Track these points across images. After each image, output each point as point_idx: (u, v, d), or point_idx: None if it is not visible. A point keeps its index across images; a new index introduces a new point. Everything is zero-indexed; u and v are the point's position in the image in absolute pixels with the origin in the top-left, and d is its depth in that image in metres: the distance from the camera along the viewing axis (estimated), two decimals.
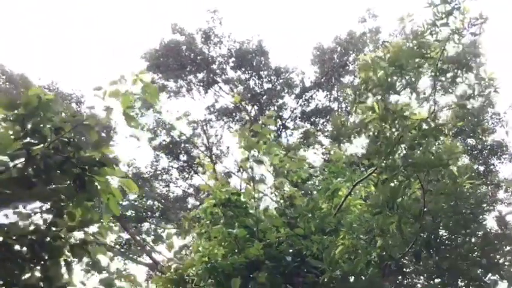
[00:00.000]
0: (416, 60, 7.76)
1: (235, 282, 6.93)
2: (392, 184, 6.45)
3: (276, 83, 27.47)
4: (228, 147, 28.59)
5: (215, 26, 24.64)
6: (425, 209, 6.50)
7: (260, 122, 9.28)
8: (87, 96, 24.62)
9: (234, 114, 28.28)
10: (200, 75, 27.03)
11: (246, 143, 8.75)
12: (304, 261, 8.31)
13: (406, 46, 7.32)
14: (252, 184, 8.97)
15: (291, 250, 8.52)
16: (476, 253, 6.69)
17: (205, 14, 24.74)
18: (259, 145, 8.96)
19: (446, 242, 6.67)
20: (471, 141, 25.98)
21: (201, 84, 27.20)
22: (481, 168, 25.51)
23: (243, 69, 26.09)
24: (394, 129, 6.70)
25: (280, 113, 28.82)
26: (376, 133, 6.82)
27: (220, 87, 27.26)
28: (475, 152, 25.91)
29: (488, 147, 25.30)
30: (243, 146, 8.75)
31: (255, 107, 28.31)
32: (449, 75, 7.99)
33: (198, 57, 25.21)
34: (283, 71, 27.05)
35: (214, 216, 9.38)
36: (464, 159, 25.76)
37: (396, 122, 6.58)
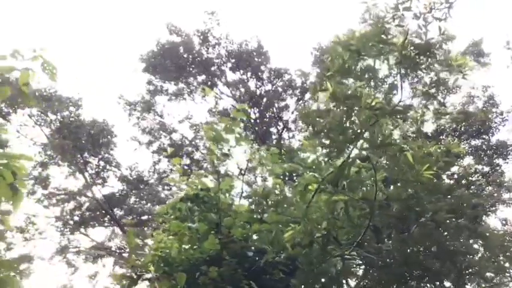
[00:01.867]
0: (377, 45, 7.47)
1: (181, 277, 6.69)
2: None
3: (277, 85, 27.27)
4: (229, 149, 28.39)
5: (213, 26, 24.57)
6: (380, 195, 6.17)
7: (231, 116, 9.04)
8: (85, 99, 24.67)
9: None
10: (200, 78, 26.95)
11: (213, 135, 8.51)
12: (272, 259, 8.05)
13: (365, 31, 7.04)
14: (218, 178, 8.72)
15: (258, 247, 8.24)
16: (429, 242, 6.34)
17: (203, 15, 24.72)
18: (227, 138, 8.71)
19: (402, 231, 6.30)
20: (475, 142, 25.47)
21: (201, 87, 27.13)
22: (486, 169, 24.94)
23: (242, 70, 25.93)
24: (345, 108, 6.41)
25: (281, 115, 28.61)
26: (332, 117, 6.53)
27: (220, 91, 27.14)
28: (480, 152, 25.34)
29: (494, 147, 24.68)
30: (209, 138, 8.51)
31: (256, 110, 28.14)
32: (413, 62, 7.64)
33: (196, 59, 25.14)
34: (283, 72, 26.84)
35: (182, 211, 9.16)
36: (468, 160, 25.34)
37: (348, 101, 6.29)
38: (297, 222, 7.34)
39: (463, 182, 24.87)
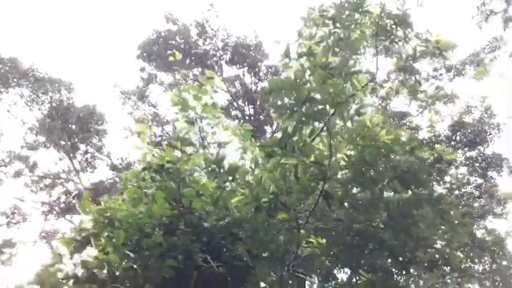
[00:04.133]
0: (353, 14, 7.14)
1: (118, 235, 6.33)
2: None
3: None
4: (222, 143, 28.07)
5: (211, 17, 24.33)
6: (333, 159, 5.79)
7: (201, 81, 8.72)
8: (81, 87, 24.46)
9: (229, 111, 27.82)
10: (195, 70, 26.67)
11: (180, 102, 8.18)
12: (231, 234, 7.70)
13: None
14: (181, 146, 8.36)
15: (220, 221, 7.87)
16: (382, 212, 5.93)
17: (201, 6, 24.52)
18: (194, 106, 8.39)
19: (358, 200, 5.88)
20: (470, 153, 25.10)
21: (196, 80, 26.85)
22: (480, 181, 24.52)
23: (239, 64, 25.65)
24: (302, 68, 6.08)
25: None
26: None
27: (216, 85, 26.78)
28: (475, 164, 24.95)
29: (488, 159, 24.26)
30: (175, 104, 8.18)
31: (251, 106, 27.84)
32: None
33: (193, 51, 24.89)
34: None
35: (146, 180, 8.83)
36: (462, 170, 24.93)
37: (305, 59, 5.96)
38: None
39: (456, 192, 24.51)
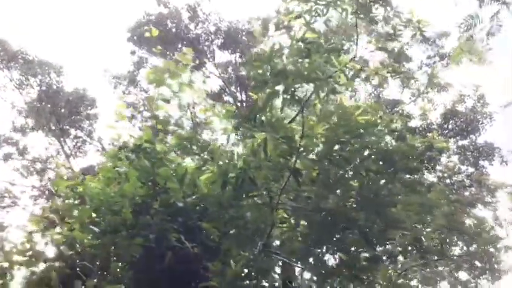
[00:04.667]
0: None
1: (83, 211, 6.20)
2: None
3: None
4: (214, 130, 27.89)
5: (202, 0, 23.98)
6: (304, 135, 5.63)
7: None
8: (69, 68, 24.19)
9: (222, 97, 27.58)
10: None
11: (156, 78, 8.01)
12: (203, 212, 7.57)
13: None
14: (156, 125, 8.22)
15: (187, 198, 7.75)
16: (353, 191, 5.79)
17: None
18: (170, 84, 8.22)
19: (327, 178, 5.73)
20: (462, 142, 25.01)
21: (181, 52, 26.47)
22: (471, 170, 24.44)
23: (231, 50, 25.34)
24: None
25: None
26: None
27: (206, 68, 26.56)
28: (467, 153, 24.86)
29: (480, 148, 24.16)
30: (149, 81, 8.01)
31: (243, 93, 27.58)
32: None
33: (184, 35, 24.57)
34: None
35: (122, 160, 8.70)
36: (453, 158, 24.86)
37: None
38: None
39: (447, 181, 24.47)
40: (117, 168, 7.49)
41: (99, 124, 27.20)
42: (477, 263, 17.40)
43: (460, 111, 24.63)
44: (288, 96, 5.78)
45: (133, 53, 24.52)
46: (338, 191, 5.69)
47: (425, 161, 21.00)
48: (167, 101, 8.28)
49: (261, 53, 5.95)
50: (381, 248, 7.37)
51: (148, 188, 7.76)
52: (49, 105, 23.61)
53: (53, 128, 24.73)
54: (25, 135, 25.61)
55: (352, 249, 6.01)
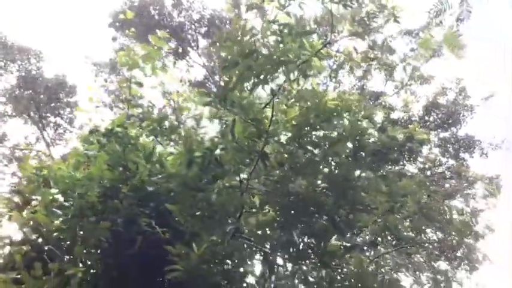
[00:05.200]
0: None
1: (44, 194, 6.07)
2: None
3: None
4: (199, 119, 27.69)
5: None
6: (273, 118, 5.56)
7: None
8: (48, 53, 23.79)
9: (205, 86, 27.38)
10: (171, 44, 26.07)
11: (128, 60, 7.85)
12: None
13: None
14: (128, 108, 8.08)
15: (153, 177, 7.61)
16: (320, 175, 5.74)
17: None
18: (143, 67, 8.08)
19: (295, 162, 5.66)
20: (444, 134, 25.21)
21: (172, 53, 26.26)
22: (452, 162, 24.66)
23: (215, 38, 25.10)
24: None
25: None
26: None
27: (190, 57, 26.35)
28: (448, 145, 25.07)
29: (461, 141, 24.38)
30: (122, 65, 7.86)
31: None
32: None
33: (167, 23, 24.31)
34: None
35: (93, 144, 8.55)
36: (434, 150, 25.05)
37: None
38: None
39: (428, 173, 24.69)
40: (86, 152, 7.35)
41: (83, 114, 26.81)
42: (456, 254, 17.65)
43: (441, 104, 24.82)
44: (259, 79, 5.69)
45: (114, 39, 24.19)
46: (307, 175, 5.64)
47: (406, 152, 21.14)
48: (140, 84, 8.15)
49: (230, 32, 5.83)
50: (353, 236, 7.37)
51: (120, 173, 7.64)
52: (28, 92, 23.23)
53: (33, 115, 24.37)
54: (4, 122, 25.23)
55: (322, 235, 5.97)
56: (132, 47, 8.20)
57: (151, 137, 7.46)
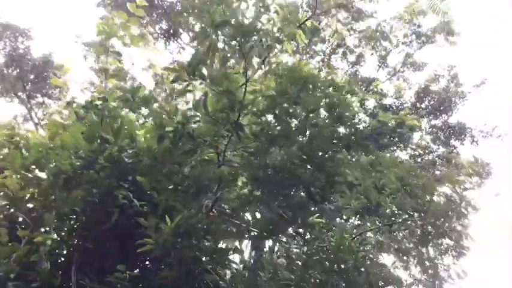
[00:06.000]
0: None
1: (14, 155, 5.88)
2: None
3: None
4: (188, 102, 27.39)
5: None
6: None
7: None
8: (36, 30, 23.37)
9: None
10: (162, 25, 25.67)
11: (105, 29, 7.61)
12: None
13: None
14: (105, 78, 7.87)
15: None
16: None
17: None
18: (121, 36, 7.84)
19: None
20: (435, 121, 25.11)
21: (164, 34, 25.86)
22: (442, 149, 24.59)
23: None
24: None
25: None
26: None
27: (181, 39, 25.95)
28: (439, 132, 24.99)
29: (452, 128, 24.27)
30: (99, 33, 7.62)
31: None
32: None
33: (158, 3, 23.87)
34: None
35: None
36: (426, 137, 24.96)
37: None
38: None
39: (419, 159, 24.60)
40: (61, 121, 7.15)
41: (72, 92, 26.51)
42: (443, 240, 17.60)
43: (433, 91, 24.69)
44: (231, 48, 5.50)
45: (103, 19, 23.74)
46: (283, 147, 5.46)
47: (397, 138, 20.98)
48: (118, 54, 7.92)
49: (199, 1, 5.62)
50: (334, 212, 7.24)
51: (98, 144, 7.46)
52: (16, 71, 22.85)
53: (20, 94, 24.01)
54: None
55: (300, 207, 5.82)
56: (111, 17, 7.92)
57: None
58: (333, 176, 5.44)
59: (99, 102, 8.32)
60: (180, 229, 5.62)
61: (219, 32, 5.26)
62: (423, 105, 25.09)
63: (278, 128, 5.39)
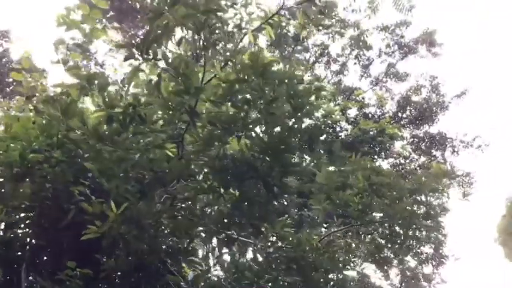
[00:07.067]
0: None
1: None
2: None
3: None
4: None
5: None
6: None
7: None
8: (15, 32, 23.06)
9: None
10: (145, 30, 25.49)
11: (65, 20, 7.35)
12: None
13: None
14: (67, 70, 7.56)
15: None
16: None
17: None
18: (82, 28, 7.59)
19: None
20: (416, 131, 25.17)
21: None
22: (423, 159, 24.61)
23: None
24: None
25: None
26: None
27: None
28: (420, 142, 25.03)
29: (432, 137, 24.33)
30: (59, 24, 7.36)
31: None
32: None
33: (142, 7, 23.68)
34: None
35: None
36: (407, 147, 24.92)
37: None
38: None
39: (400, 168, 24.53)
40: (16, 114, 6.87)
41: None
42: (423, 249, 17.44)
43: (414, 101, 24.79)
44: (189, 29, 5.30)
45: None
46: (240, 136, 5.25)
47: (377, 146, 20.83)
48: (83, 47, 7.66)
49: None
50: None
51: (57, 138, 7.17)
52: None
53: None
54: None
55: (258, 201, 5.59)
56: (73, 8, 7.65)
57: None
58: (288, 165, 5.23)
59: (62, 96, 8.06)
60: (128, 218, 5.34)
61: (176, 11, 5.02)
62: (404, 115, 25.14)
63: (236, 116, 5.18)
